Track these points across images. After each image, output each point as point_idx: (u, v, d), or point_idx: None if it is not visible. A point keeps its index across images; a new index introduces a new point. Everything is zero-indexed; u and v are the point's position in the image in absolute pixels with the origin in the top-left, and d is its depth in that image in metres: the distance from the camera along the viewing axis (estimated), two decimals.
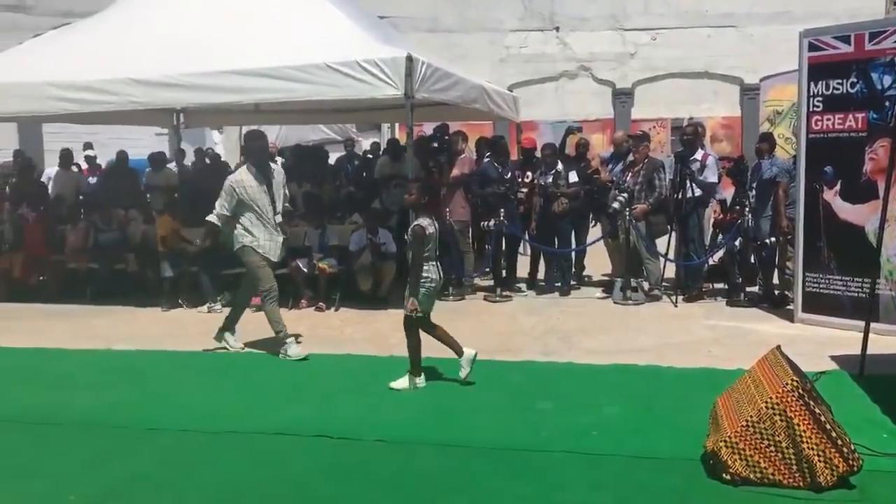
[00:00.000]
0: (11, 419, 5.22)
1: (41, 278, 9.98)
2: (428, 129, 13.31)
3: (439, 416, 5.10)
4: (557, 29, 19.38)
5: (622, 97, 19.28)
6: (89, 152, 13.86)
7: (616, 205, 8.65)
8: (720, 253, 8.85)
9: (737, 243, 8.42)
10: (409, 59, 7.41)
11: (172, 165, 12.50)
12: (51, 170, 12.83)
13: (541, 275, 9.75)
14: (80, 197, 11.68)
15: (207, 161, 13.20)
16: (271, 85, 7.82)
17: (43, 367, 6.51)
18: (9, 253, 9.97)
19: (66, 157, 12.06)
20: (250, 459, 4.47)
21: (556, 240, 9.33)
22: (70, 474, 4.30)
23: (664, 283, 9.10)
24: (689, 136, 9.08)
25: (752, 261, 8.55)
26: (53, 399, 5.65)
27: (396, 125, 16.37)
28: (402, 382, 5.64)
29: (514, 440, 4.61)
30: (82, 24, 10.11)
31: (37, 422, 5.17)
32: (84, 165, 13.35)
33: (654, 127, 18.83)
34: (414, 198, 5.78)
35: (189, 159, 13.76)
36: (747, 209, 8.25)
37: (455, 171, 9.03)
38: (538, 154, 9.52)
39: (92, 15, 10.33)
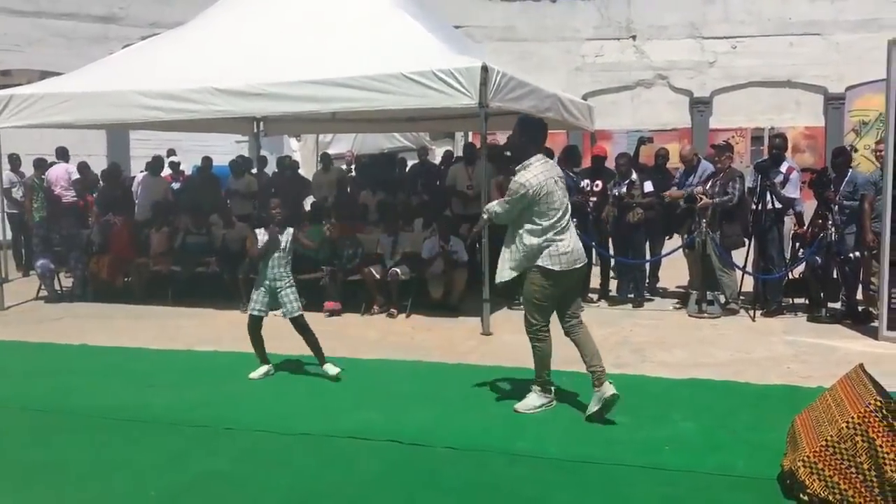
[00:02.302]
0: (98, 416, 5.45)
1: (126, 280, 10.36)
2: (501, 138, 13.34)
3: (510, 426, 5.09)
4: (634, 37, 19.21)
5: (700, 106, 18.96)
6: (173, 158, 14.32)
7: (682, 202, 8.56)
8: (801, 267, 8.61)
9: (818, 258, 8.18)
10: (485, 68, 7.44)
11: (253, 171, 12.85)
12: (139, 175, 13.32)
13: (613, 286, 9.64)
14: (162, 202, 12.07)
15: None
16: (348, 94, 7.94)
17: (127, 366, 6.75)
18: (97, 256, 10.38)
19: (155, 163, 12.51)
20: (322, 461, 4.56)
21: (629, 250, 9.23)
22: (151, 470, 4.46)
23: (742, 297, 8.89)
24: (777, 148, 8.85)
25: (835, 275, 8.28)
26: (137, 397, 5.87)
27: (470, 134, 16.45)
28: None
29: (585, 453, 4.58)
30: (168, 36, 10.49)
31: (122, 419, 5.37)
32: (167, 171, 13.79)
33: (733, 136, 18.46)
34: (284, 212, 6.41)
35: (271, 167, 14.12)
36: (830, 223, 8.00)
37: None
38: (609, 164, 9.46)
39: (178, 26, 10.74)
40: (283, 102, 8.29)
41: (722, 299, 8.70)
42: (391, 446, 4.74)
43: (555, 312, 5.42)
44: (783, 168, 8.58)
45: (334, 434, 4.96)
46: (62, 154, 12.76)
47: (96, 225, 11.02)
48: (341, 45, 8.48)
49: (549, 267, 5.19)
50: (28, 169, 12.73)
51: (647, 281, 9.79)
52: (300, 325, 6.35)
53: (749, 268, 8.69)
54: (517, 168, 5.31)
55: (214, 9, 10.15)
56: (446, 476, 4.31)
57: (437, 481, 4.25)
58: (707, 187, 8.65)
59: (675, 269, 9.75)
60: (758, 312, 8.44)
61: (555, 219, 5.20)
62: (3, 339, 7.97)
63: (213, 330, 8.23)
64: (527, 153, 5.30)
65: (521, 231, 5.24)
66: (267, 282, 6.33)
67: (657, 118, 19.04)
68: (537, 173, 5.18)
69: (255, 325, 6.37)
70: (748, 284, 8.98)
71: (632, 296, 9.24)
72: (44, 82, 10.39)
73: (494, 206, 5.46)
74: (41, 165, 12.43)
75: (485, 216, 5.58)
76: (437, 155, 15.10)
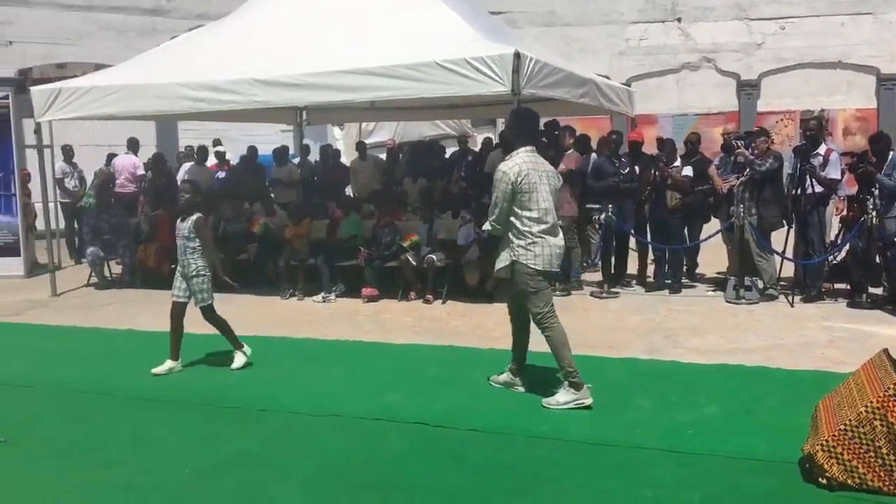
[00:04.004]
0: (140, 396, 5.69)
1: (172, 267, 10.60)
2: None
3: (534, 409, 5.16)
4: (679, 20, 18.90)
5: (747, 89, 18.58)
6: (219, 148, 14.60)
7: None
8: (843, 252, 8.47)
9: (860, 242, 8.04)
10: (517, 55, 7.46)
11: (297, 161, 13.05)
12: (186, 165, 13.63)
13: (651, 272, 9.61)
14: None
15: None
16: (384, 83, 8.03)
17: (169, 350, 6.96)
18: (144, 244, 10.69)
19: (200, 153, 12.80)
20: (350, 442, 4.69)
21: (667, 236, 9.18)
22: (186, 449, 4.66)
23: (782, 283, 8.79)
24: (812, 130, 8.73)
25: (878, 261, 8.14)
26: (177, 379, 6.11)
27: None
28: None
29: (606, 436, 4.64)
30: (212, 28, 10.73)
31: (162, 399, 5.60)
32: (213, 161, 14.08)
33: (782, 119, 18.09)
34: (189, 197, 6.29)
35: (314, 156, 14.32)
36: (871, 207, 7.86)
37: (561, 167, 9.01)
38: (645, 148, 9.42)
39: (223, 17, 10.95)
40: (320, 92, 8.42)
41: (760, 285, 8.61)
42: (417, 428, 4.86)
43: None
44: (821, 150, 8.44)
45: (363, 416, 5.09)
46: (132, 145, 13.06)
47: (143, 214, 11.33)
48: (377, 35, 8.58)
49: (531, 265, 5.19)
50: (80, 160, 13.13)
51: (686, 267, 9.72)
52: (207, 315, 6.33)
53: (789, 253, 8.58)
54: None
55: (255, 2, 10.33)
56: (469, 456, 4.41)
57: (459, 461, 4.35)
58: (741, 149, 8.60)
59: (715, 255, 9.66)
60: (797, 298, 8.33)
61: (539, 214, 5.19)
62: (55, 323, 8.31)
63: (252, 316, 8.43)
64: (513, 146, 5.35)
65: (509, 223, 5.24)
66: (181, 268, 6.31)
67: (703, 102, 18.73)
68: (519, 162, 5.18)
69: (176, 312, 6.31)
70: (789, 270, 8.87)
71: (668, 282, 9.19)
72: (91, 75, 10.71)
73: (487, 224, 5.39)
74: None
75: (487, 227, 5.44)
76: (478, 142, 15.12)
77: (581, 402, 5.13)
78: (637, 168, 9.26)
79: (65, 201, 12.85)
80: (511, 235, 5.25)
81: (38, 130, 9.83)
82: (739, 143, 8.55)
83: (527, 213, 5.18)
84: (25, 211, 11.80)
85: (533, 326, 5.48)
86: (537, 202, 5.18)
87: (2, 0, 16.66)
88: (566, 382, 5.22)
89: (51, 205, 10.43)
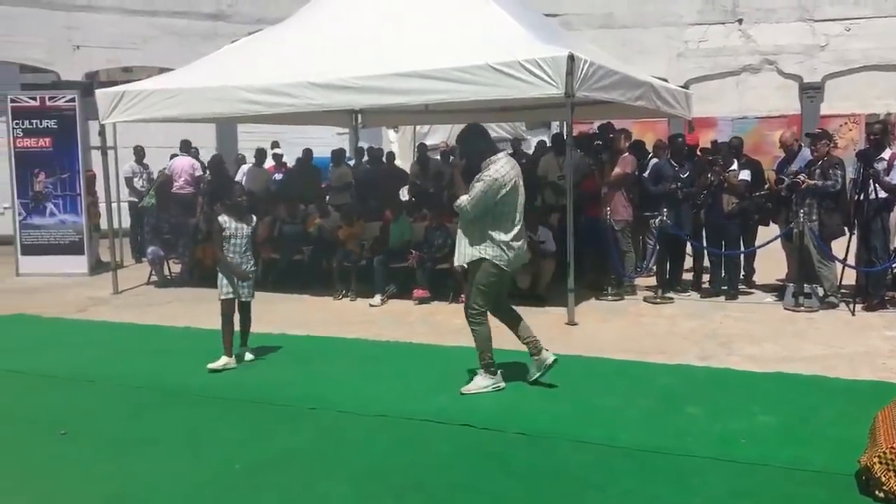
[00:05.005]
0: (195, 392, 5.82)
1: None
2: (590, 127, 13.24)
3: (583, 414, 5.13)
4: (740, 21, 18.58)
5: (810, 92, 18.19)
6: (277, 150, 14.84)
7: (784, 191, 8.34)
8: None
9: None
10: (571, 57, 7.41)
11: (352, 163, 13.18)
12: (245, 166, 13.88)
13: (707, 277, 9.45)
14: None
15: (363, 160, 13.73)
16: (437, 86, 8.06)
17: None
18: (203, 244, 10.90)
19: (259, 155, 13.04)
20: (397, 443, 4.72)
21: (723, 241, 9.01)
22: (237, 445, 4.74)
23: (843, 290, 8.56)
24: (876, 134, 8.48)
25: None
26: (231, 376, 6.23)
27: (566, 123, 16.38)
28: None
29: (656, 442, 4.57)
30: (269, 32, 10.91)
31: (216, 395, 5.71)
32: (271, 163, 14.31)
33: (846, 123, 17.67)
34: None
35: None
36: None
37: (617, 170, 8.94)
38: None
39: (280, 22, 11.13)
40: (373, 95, 8.50)
41: (820, 292, 8.39)
42: (464, 430, 4.86)
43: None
44: (886, 155, 8.19)
45: (411, 416, 5.12)
46: (185, 147, 13.37)
47: (202, 214, 11.57)
48: (430, 37, 8.60)
49: (498, 263, 5.49)
50: (151, 160, 13.47)
51: (743, 273, 9.53)
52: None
53: (851, 260, 8.34)
54: (483, 166, 5.50)
55: (312, 6, 10.48)
56: (514, 460, 4.40)
57: (504, 465, 4.34)
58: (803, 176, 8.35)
59: (774, 262, 9.44)
60: (858, 306, 8.10)
61: (512, 217, 5.50)
62: (115, 320, 8.54)
63: (305, 316, 8.56)
64: (488, 154, 5.53)
65: (482, 221, 5.46)
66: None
67: (764, 104, 18.37)
68: (507, 167, 5.48)
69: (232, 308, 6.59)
70: (850, 277, 8.63)
71: (725, 288, 9.02)
72: (153, 78, 11.00)
73: (464, 200, 5.49)
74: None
75: (463, 205, 5.52)
76: (531, 145, 15.08)
77: (497, 385, 5.64)
78: (690, 172, 9.11)
79: (132, 200, 13.18)
80: (485, 235, 5.48)
81: (102, 132, 10.12)
82: (802, 178, 8.29)
83: (506, 223, 5.48)
84: (90, 211, 12.18)
85: (533, 333, 5.76)
86: (512, 203, 5.49)
87: (70, 6, 17.21)
88: (481, 370, 5.69)
89: (113, 205, 10.70)
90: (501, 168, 5.45)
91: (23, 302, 9.64)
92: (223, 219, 6.54)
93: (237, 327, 6.63)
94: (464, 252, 5.60)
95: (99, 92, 10.19)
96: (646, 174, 9.33)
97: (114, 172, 10.95)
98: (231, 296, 6.52)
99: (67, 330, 8.26)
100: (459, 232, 5.66)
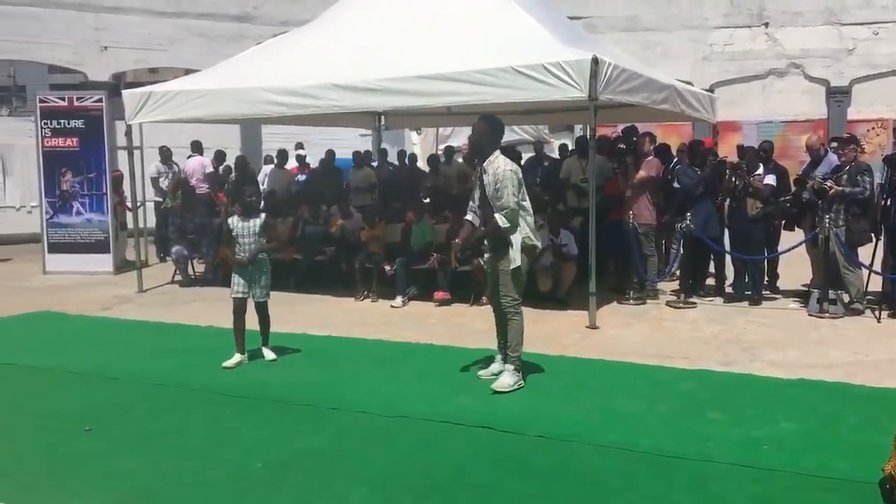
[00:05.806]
0: (214, 392, 5.85)
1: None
2: (611, 130, 13.18)
3: (604, 418, 5.11)
4: (766, 24, 18.43)
5: (837, 96, 17.99)
6: (300, 152, 14.93)
7: (807, 194, 8.21)
8: None
9: None
10: (595, 60, 7.39)
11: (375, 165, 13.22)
12: (267, 167, 13.98)
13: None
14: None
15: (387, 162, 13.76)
16: (459, 88, 8.07)
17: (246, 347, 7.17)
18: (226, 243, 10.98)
19: (281, 156, 13.13)
20: (417, 444, 4.73)
21: (747, 246, 8.93)
22: (258, 444, 4.77)
23: (869, 297, 8.45)
24: None
25: None
26: (251, 375, 6.27)
27: (588, 126, 16.34)
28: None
29: (677, 448, 4.54)
30: (294, 34, 10.98)
31: (237, 395, 5.75)
32: (294, 164, 14.39)
33: (874, 128, 17.46)
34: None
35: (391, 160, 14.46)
36: None
37: (641, 173, 8.90)
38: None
39: (305, 24, 11.20)
40: (396, 97, 8.53)
41: (846, 298, 8.30)
42: (484, 432, 4.86)
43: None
44: None
45: (431, 418, 5.13)
46: (197, 147, 13.51)
47: (227, 214, 11.65)
48: (454, 40, 8.62)
49: (535, 242, 5.81)
50: (177, 161, 13.60)
51: (767, 278, 9.44)
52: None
53: (877, 266, 8.24)
54: (484, 164, 5.70)
55: (335, 8, 10.53)
56: (534, 463, 4.39)
57: (525, 468, 4.33)
58: (831, 181, 8.26)
59: (799, 267, 9.36)
60: (885, 313, 8.01)
61: (527, 202, 5.77)
62: (140, 318, 8.63)
63: (327, 316, 8.59)
64: (490, 150, 5.72)
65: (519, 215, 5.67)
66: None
67: (790, 108, 18.20)
68: (510, 161, 5.72)
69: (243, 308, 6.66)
70: (876, 283, 8.53)
71: (748, 293, 8.94)
72: (179, 79, 11.12)
73: (501, 218, 5.59)
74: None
75: (501, 224, 5.61)
76: (554, 148, 15.05)
77: (520, 383, 5.73)
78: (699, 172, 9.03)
79: (157, 200, 13.32)
80: (518, 230, 5.65)
81: (128, 132, 10.23)
82: (829, 184, 8.20)
83: (529, 210, 5.76)
84: (116, 210, 12.32)
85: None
86: (527, 198, 5.78)
87: (98, 8, 17.42)
88: (512, 367, 5.75)
89: (139, 205, 10.83)
90: (507, 162, 5.67)
91: (49, 299, 9.77)
92: (232, 220, 6.67)
93: (249, 326, 6.66)
94: (510, 257, 5.69)
95: (126, 92, 10.31)
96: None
97: (140, 172, 11.07)
98: (241, 295, 6.57)
99: (92, 327, 8.35)
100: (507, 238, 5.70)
